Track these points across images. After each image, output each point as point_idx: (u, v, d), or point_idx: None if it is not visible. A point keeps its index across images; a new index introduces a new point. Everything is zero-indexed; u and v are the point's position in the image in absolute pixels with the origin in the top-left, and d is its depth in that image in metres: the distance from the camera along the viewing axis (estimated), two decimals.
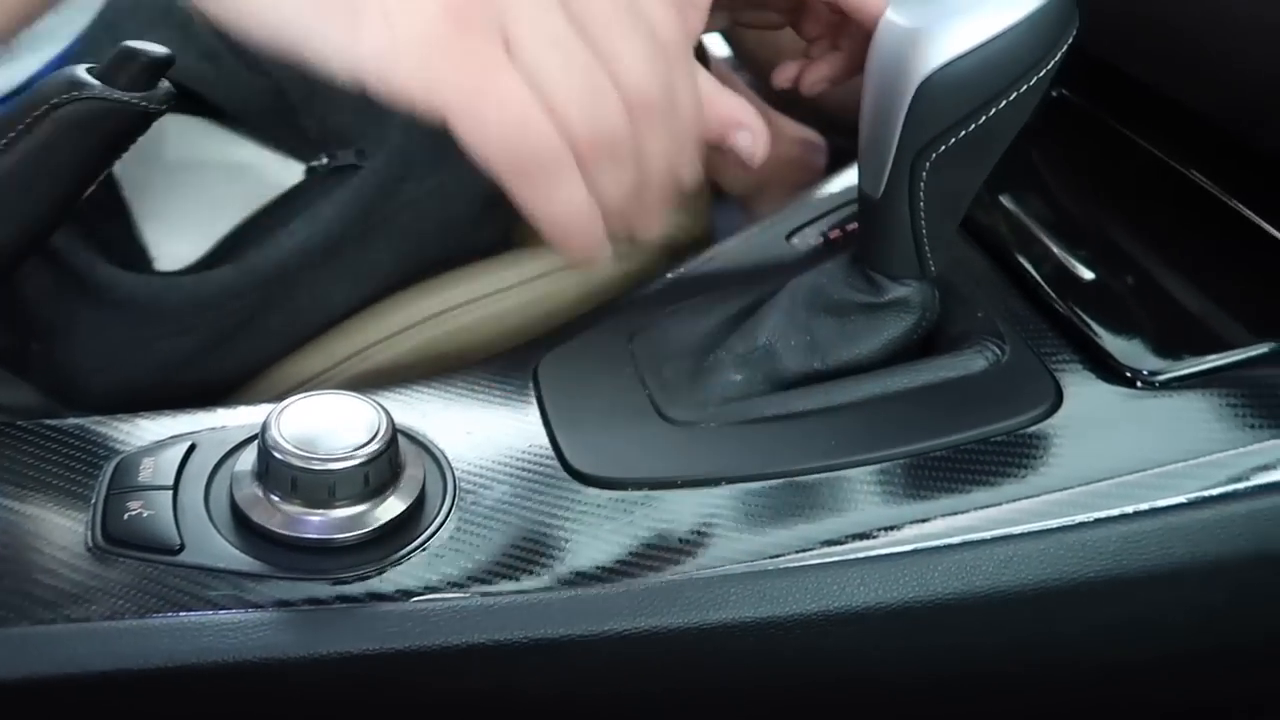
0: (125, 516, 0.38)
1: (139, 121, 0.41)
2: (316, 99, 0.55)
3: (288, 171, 0.55)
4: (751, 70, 0.89)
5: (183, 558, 0.37)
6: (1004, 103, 0.38)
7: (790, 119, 0.81)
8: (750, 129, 0.44)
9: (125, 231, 0.54)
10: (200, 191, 0.55)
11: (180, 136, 0.54)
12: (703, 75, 0.45)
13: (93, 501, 0.39)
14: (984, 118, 0.38)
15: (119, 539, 0.38)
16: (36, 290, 0.53)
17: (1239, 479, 0.39)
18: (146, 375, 0.54)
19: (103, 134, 0.40)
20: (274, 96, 0.55)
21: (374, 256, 0.56)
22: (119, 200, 0.54)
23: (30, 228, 0.40)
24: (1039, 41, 0.38)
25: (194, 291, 0.53)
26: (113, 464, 0.41)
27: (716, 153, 0.50)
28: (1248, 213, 0.47)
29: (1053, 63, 0.38)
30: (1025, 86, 0.38)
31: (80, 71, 0.40)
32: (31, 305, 0.53)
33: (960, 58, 0.37)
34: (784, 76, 0.49)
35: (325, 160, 0.55)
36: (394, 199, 0.55)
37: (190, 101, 0.53)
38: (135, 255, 0.54)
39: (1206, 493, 0.38)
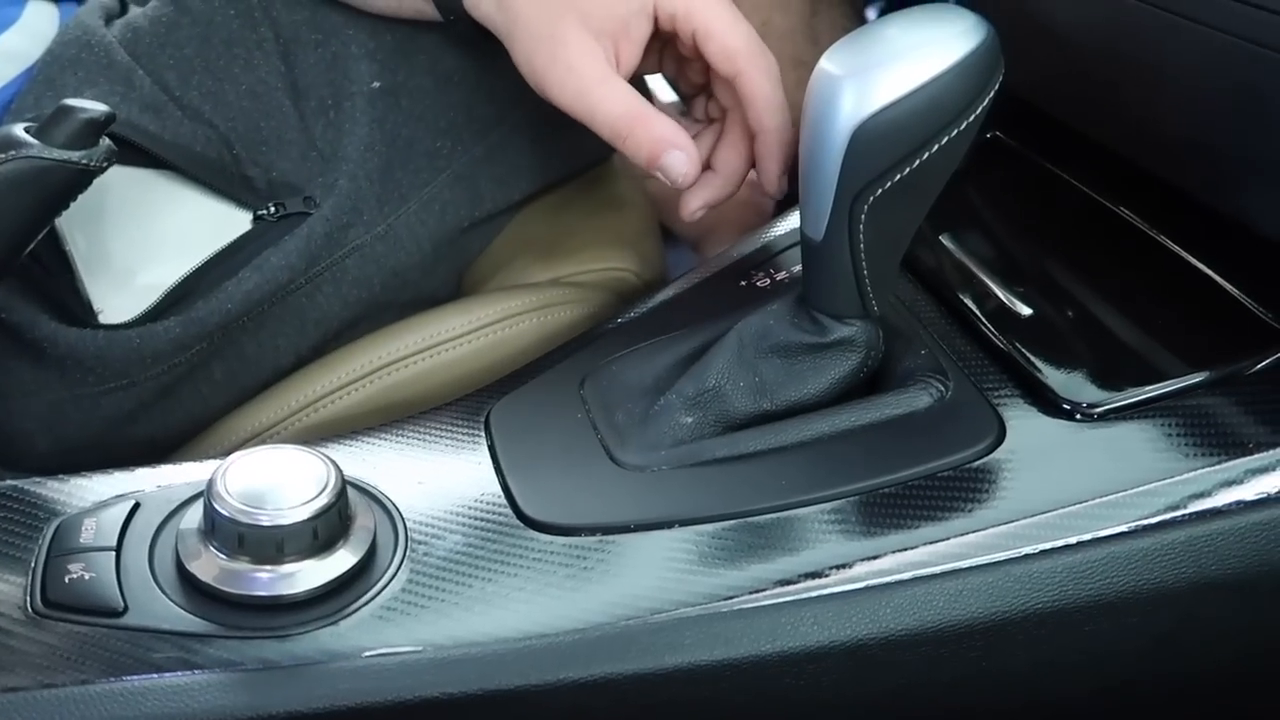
0: (66, 579, 0.38)
1: (79, 179, 0.41)
2: (263, 148, 0.55)
3: (234, 221, 0.55)
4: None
5: (126, 620, 0.37)
6: (936, 147, 0.39)
7: None
8: (682, 150, 0.47)
9: (69, 286, 0.53)
10: (146, 243, 0.55)
11: (125, 188, 0.54)
12: (638, 98, 0.47)
13: (31, 566, 0.38)
14: (918, 161, 0.39)
15: (59, 603, 0.37)
16: None
17: (1176, 507, 0.39)
18: (90, 433, 0.53)
19: (42, 193, 0.40)
20: (219, 147, 0.55)
21: (322, 304, 0.55)
22: (62, 254, 0.53)
23: None
24: (967, 88, 0.39)
25: (139, 345, 0.52)
26: (53, 526, 0.40)
27: (668, 195, 0.51)
28: (1175, 248, 0.49)
29: (981, 108, 0.40)
30: (956, 131, 0.39)
31: (18, 130, 0.40)
32: None
33: (891, 105, 0.38)
34: (684, 211, 0.53)
35: (272, 209, 0.55)
36: (341, 246, 0.55)
37: (135, 153, 0.53)
38: (79, 309, 0.53)
39: (1146, 521, 0.39)
